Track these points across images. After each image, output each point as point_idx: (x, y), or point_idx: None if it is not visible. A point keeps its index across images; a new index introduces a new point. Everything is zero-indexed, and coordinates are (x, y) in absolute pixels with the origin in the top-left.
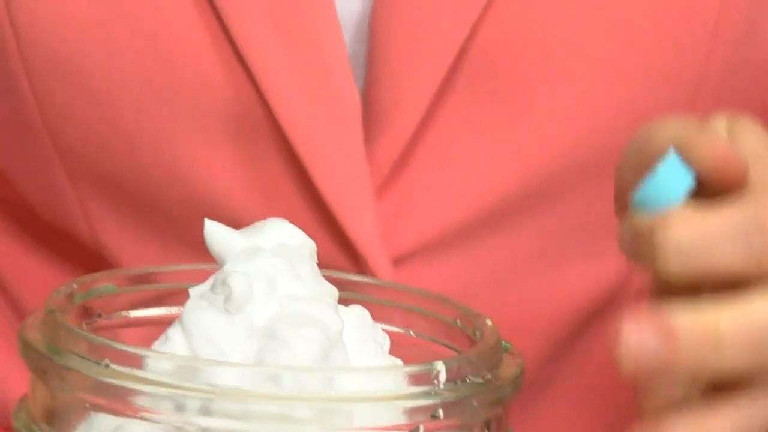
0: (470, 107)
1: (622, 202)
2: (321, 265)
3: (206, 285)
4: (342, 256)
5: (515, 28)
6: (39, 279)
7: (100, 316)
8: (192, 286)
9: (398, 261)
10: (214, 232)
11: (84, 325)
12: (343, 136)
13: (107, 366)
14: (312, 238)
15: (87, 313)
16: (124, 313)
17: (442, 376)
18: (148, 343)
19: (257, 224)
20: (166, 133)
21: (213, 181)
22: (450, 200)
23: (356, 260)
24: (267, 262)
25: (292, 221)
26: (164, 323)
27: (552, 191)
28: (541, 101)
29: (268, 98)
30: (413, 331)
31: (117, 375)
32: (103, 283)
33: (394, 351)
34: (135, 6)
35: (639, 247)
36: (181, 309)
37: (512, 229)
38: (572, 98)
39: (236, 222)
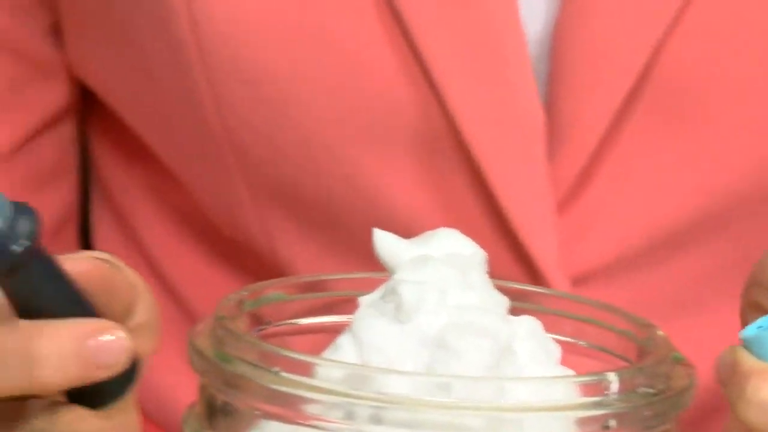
0: (652, 126)
1: (744, 317)
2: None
3: (376, 294)
4: (521, 273)
5: (699, 49)
6: (212, 287)
7: (269, 323)
8: (361, 294)
9: (577, 280)
10: (384, 241)
11: (253, 332)
12: (527, 153)
13: (278, 374)
14: (492, 255)
15: (256, 321)
16: (292, 320)
17: (614, 387)
18: (316, 350)
19: (427, 233)
20: (347, 145)
21: (394, 196)
22: (631, 220)
23: (535, 278)
24: (437, 272)
25: (473, 237)
26: (333, 331)
27: (733, 215)
28: (725, 123)
29: (453, 115)
30: (583, 341)
31: (288, 383)
32: (273, 290)
33: (564, 361)
34: (322, 18)
35: (730, 382)
36: (350, 317)
37: (692, 251)
38: (756, 121)
39: (401, 233)
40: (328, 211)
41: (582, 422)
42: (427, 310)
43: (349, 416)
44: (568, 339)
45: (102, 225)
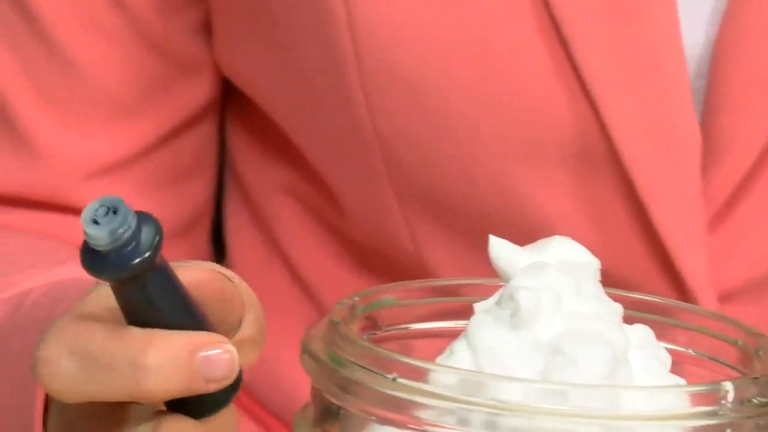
0: None
1: None
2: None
3: (492, 300)
4: (669, 288)
5: None
6: (349, 289)
7: (381, 328)
8: (475, 300)
9: (723, 297)
10: (500, 247)
11: (366, 336)
12: (681, 170)
13: (395, 379)
14: (641, 270)
15: (369, 325)
16: (404, 326)
17: (730, 396)
18: (429, 356)
19: (542, 241)
20: (502, 156)
21: (546, 208)
22: None
23: (683, 293)
24: (553, 279)
25: (624, 251)
26: (446, 337)
27: None
28: None
29: (609, 130)
30: (694, 350)
31: (404, 388)
32: (385, 295)
33: (674, 370)
34: (483, 31)
35: None
36: (464, 323)
37: None
38: None
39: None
40: (478, 221)
41: (697, 431)
42: (542, 316)
43: (463, 422)
44: (678, 348)
45: (237, 222)
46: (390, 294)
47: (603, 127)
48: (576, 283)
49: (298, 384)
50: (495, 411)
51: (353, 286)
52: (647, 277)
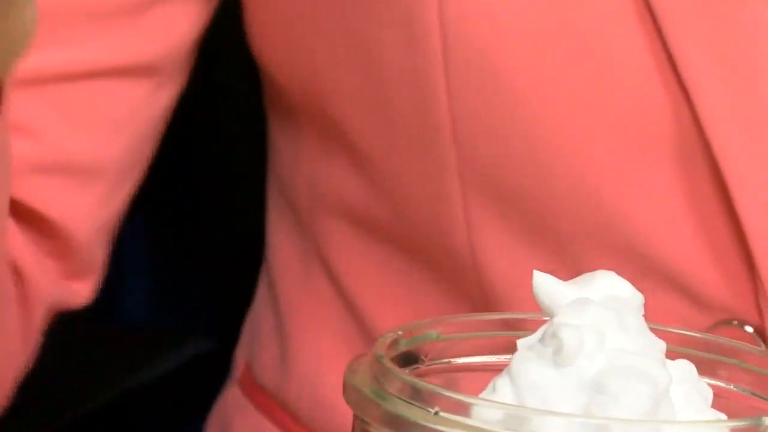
0: None
1: None
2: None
3: (535, 336)
4: (748, 293)
5: None
6: (394, 305)
7: (424, 362)
8: (519, 335)
9: None
10: (544, 283)
11: (408, 370)
12: (765, 162)
13: (437, 413)
14: (726, 266)
15: (412, 360)
16: (447, 360)
17: None
18: (471, 391)
19: (586, 276)
20: (584, 146)
21: (624, 206)
22: None
23: (756, 293)
24: (597, 315)
25: (709, 247)
26: (489, 372)
27: None
28: None
29: (703, 121)
30: (735, 386)
31: (446, 422)
32: (429, 329)
33: (716, 405)
34: (577, 16)
35: None
36: (505, 358)
37: None
38: None
39: (636, 247)
40: (546, 219)
41: None
42: (586, 354)
43: None
44: (721, 384)
45: (278, 231)
46: (434, 328)
47: (696, 118)
48: (619, 319)
49: (339, 401)
50: None
51: (396, 299)
52: (732, 275)
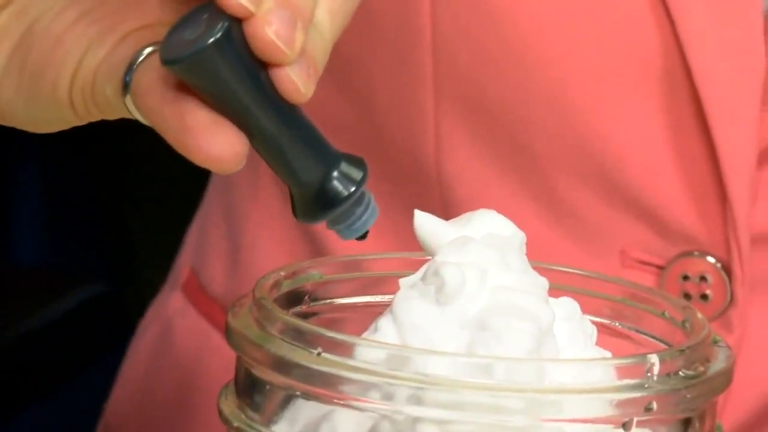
0: None
1: None
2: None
3: (417, 275)
4: (717, 218)
5: None
6: None
7: (306, 303)
8: (398, 275)
9: (756, 239)
10: (425, 222)
11: (291, 312)
12: (745, 95)
13: (320, 354)
14: (699, 194)
15: (294, 300)
16: (330, 300)
17: (656, 369)
18: (354, 331)
19: (466, 215)
20: (566, 66)
21: (600, 127)
22: None
23: (725, 223)
24: (478, 253)
25: (686, 175)
26: (371, 312)
27: None
28: None
29: (685, 47)
30: (620, 323)
31: (329, 363)
32: (310, 270)
33: (601, 342)
34: None
35: None
36: (390, 298)
37: None
38: None
39: (608, 170)
40: (517, 131)
41: (623, 404)
42: (468, 292)
43: (388, 397)
44: (605, 321)
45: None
46: (315, 269)
47: (681, 46)
48: (501, 257)
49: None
50: (420, 385)
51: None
52: (701, 211)
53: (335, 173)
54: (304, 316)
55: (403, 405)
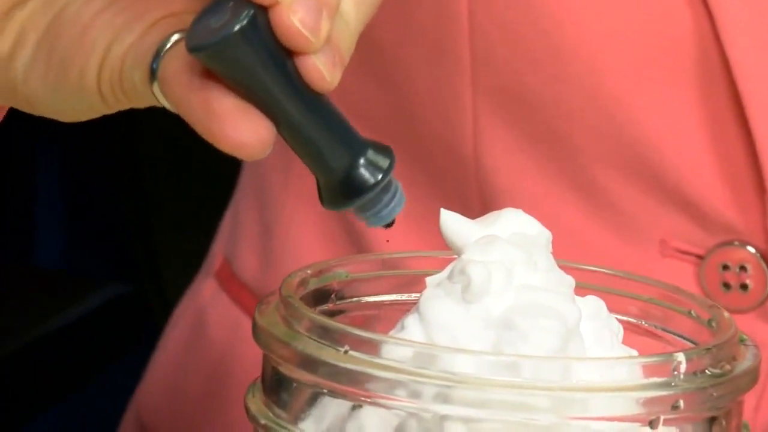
0: None
1: None
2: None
3: (443, 274)
4: (757, 213)
5: None
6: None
7: (333, 301)
8: (426, 273)
9: None
10: (451, 221)
11: (319, 309)
12: None
13: (347, 352)
14: (740, 189)
15: (321, 298)
16: (357, 299)
17: (683, 368)
18: (381, 329)
19: (492, 214)
20: (606, 60)
21: (638, 118)
22: None
23: (765, 214)
24: (504, 252)
25: (726, 169)
26: (398, 310)
27: None
28: None
29: (724, 41)
30: (646, 322)
31: (356, 361)
32: (337, 268)
33: (627, 341)
34: None
35: None
36: (414, 296)
37: None
38: None
39: (646, 161)
40: (555, 124)
41: (650, 403)
42: (494, 290)
43: (415, 395)
44: (631, 319)
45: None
46: (342, 267)
47: (717, 36)
48: (527, 256)
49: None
50: (447, 383)
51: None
52: (739, 200)
53: (362, 161)
54: (331, 314)
55: (430, 403)
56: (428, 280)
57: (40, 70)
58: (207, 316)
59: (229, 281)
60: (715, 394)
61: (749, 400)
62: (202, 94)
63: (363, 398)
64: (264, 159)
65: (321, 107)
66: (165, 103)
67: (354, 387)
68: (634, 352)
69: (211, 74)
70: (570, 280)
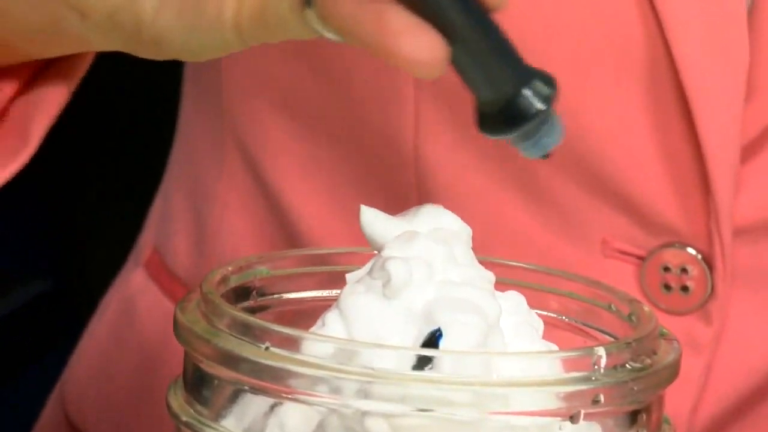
0: None
1: None
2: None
3: (364, 270)
4: (701, 212)
5: None
6: (313, 195)
7: (254, 298)
8: (347, 269)
9: (740, 231)
10: (371, 218)
11: (240, 306)
12: (729, 88)
13: (267, 349)
14: (683, 186)
15: (242, 295)
16: (278, 295)
17: (603, 362)
18: (302, 326)
19: (412, 210)
20: (544, 55)
21: (584, 119)
22: None
23: (708, 215)
24: (424, 248)
25: (673, 165)
26: (319, 307)
27: None
28: None
29: (670, 38)
30: (567, 317)
31: (277, 357)
32: (258, 265)
33: (548, 336)
34: None
35: None
36: (337, 293)
37: None
38: None
39: (591, 162)
40: None
41: (570, 397)
42: (414, 286)
43: (336, 391)
44: (552, 314)
45: (195, 108)
46: (264, 263)
47: (666, 39)
48: (448, 252)
49: None
50: (367, 379)
51: (323, 196)
52: (684, 203)
53: (528, 86)
54: (253, 311)
55: (351, 399)
56: (348, 276)
57: (174, 6)
58: (135, 305)
59: (160, 272)
60: (635, 388)
61: (685, 401)
62: (375, 10)
63: (284, 395)
64: (197, 148)
65: (493, 29)
66: (319, 29)
67: (275, 384)
68: (555, 347)
69: None
70: (490, 276)
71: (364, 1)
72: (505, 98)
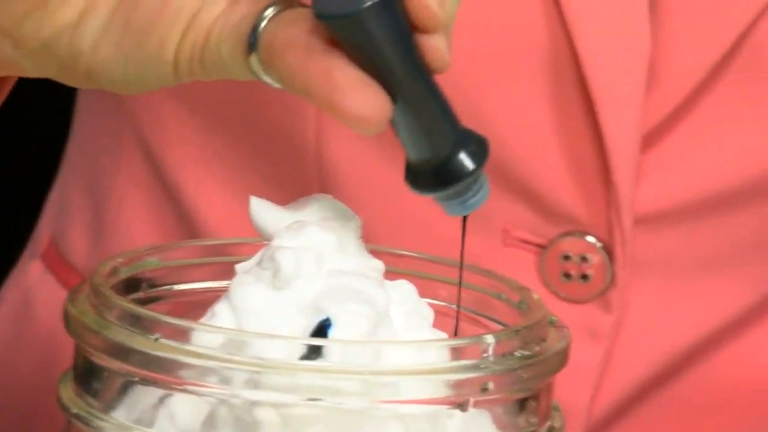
0: (742, 88)
1: None
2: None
3: (253, 260)
4: (602, 203)
5: None
6: (212, 186)
7: (144, 289)
8: (238, 260)
9: (642, 219)
10: (260, 208)
11: (130, 298)
12: (630, 77)
13: (157, 340)
14: (586, 180)
15: (132, 287)
16: (168, 287)
17: (492, 350)
18: (193, 317)
19: (302, 200)
20: (459, 55)
21: (485, 108)
22: (706, 170)
23: (609, 204)
24: (314, 237)
25: (577, 162)
26: (210, 298)
27: None
28: None
29: (571, 29)
30: (457, 305)
31: (166, 348)
32: (148, 257)
33: (439, 325)
34: None
35: None
36: (226, 284)
37: (753, 210)
38: None
39: (505, 154)
40: None
41: (459, 385)
42: (303, 276)
43: (226, 381)
44: (442, 303)
45: (91, 99)
46: (154, 255)
47: (568, 30)
48: (337, 241)
49: None
50: (256, 369)
51: (223, 188)
52: (585, 193)
53: (462, 147)
54: (144, 302)
55: (241, 389)
56: (237, 267)
57: (113, 39)
58: (33, 297)
59: (57, 263)
60: (524, 375)
61: (585, 389)
62: (324, 64)
63: (174, 386)
64: (95, 140)
65: (434, 89)
66: (261, 75)
67: (165, 374)
68: (445, 336)
69: (332, 44)
70: (380, 265)
71: (312, 54)
72: (440, 158)
